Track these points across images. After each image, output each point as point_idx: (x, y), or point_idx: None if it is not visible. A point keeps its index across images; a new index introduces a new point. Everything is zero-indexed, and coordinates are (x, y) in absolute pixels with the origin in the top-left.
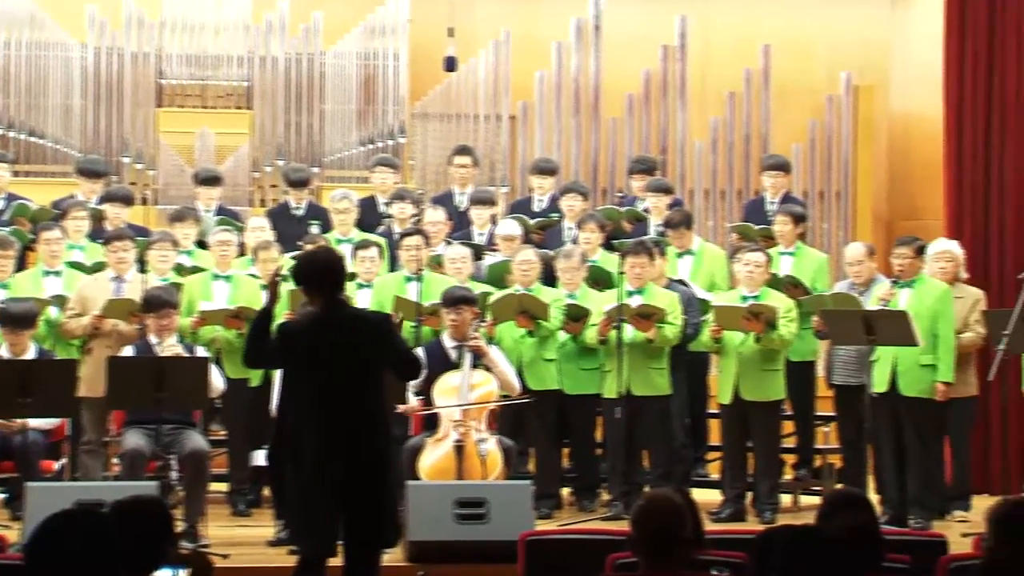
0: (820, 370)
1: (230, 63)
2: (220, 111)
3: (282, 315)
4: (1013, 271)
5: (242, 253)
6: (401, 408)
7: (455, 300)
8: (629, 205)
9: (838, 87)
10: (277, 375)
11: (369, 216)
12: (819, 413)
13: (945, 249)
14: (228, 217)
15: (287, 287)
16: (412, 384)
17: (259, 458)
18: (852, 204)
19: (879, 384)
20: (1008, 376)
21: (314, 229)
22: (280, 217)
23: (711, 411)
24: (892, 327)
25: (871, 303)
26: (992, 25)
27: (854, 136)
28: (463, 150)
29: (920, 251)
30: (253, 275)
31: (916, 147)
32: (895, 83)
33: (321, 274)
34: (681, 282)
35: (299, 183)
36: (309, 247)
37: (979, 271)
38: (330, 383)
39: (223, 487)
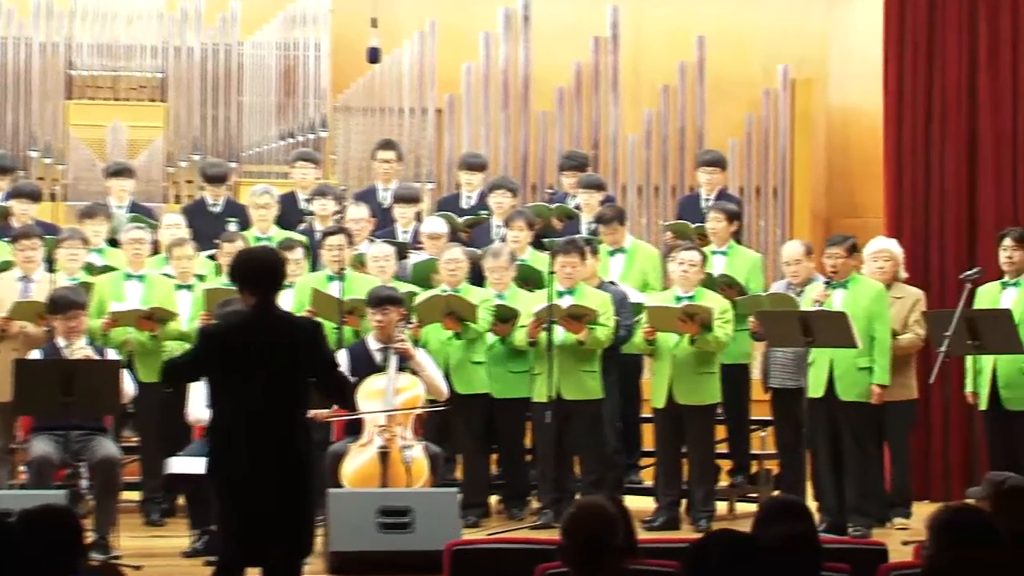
0: (755, 373)
1: (143, 53)
2: (133, 103)
3: (197, 317)
4: (954, 271)
5: (156, 252)
6: (314, 413)
7: (381, 300)
8: (560, 202)
9: (775, 80)
10: None
11: (289, 213)
12: (755, 417)
13: (884, 248)
14: (141, 214)
15: (201, 287)
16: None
17: (173, 465)
18: (789, 201)
19: (815, 389)
20: (950, 379)
21: (232, 227)
22: (196, 214)
23: (644, 415)
24: (830, 328)
25: (804, 305)
26: (932, 18)
27: (791, 131)
28: (387, 145)
29: (853, 250)
30: (167, 275)
31: (855, 143)
32: (833, 77)
33: (261, 273)
34: (612, 284)
35: (216, 179)
36: (226, 245)
37: (919, 271)
38: (260, 386)
39: (135, 496)
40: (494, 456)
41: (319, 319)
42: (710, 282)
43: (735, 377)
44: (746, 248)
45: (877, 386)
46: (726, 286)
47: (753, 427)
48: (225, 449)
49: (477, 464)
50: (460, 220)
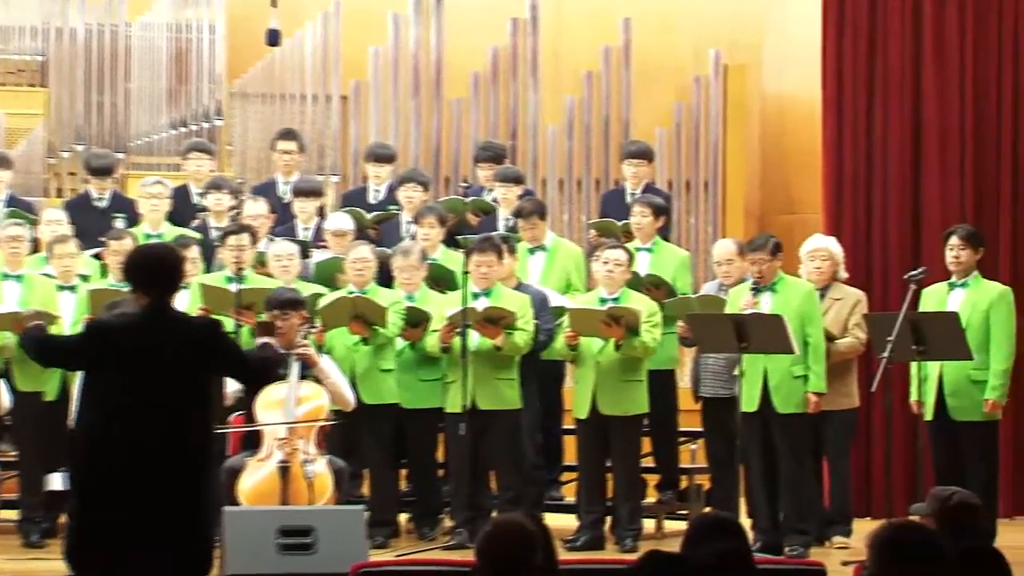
0: (684, 380)
1: (22, 35)
2: (10, 89)
3: (81, 321)
4: (897, 271)
5: (35, 250)
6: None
7: (282, 304)
8: (475, 196)
9: (706, 66)
10: (76, 387)
11: (182, 208)
12: (684, 428)
13: (821, 246)
14: (19, 209)
15: (85, 288)
16: (230, 394)
17: (55, 482)
18: (721, 196)
19: (748, 403)
20: (893, 387)
21: (119, 223)
22: (80, 209)
23: (566, 427)
24: (766, 333)
25: (731, 309)
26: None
27: (724, 120)
28: (288, 134)
29: (776, 250)
30: (48, 275)
31: (792, 133)
32: (769, 62)
33: (158, 272)
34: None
35: (101, 171)
36: (113, 243)
37: (860, 270)
38: (152, 392)
39: (13, 514)
40: (404, 471)
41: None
42: (636, 282)
43: (663, 385)
44: (673, 245)
45: (813, 394)
46: (653, 287)
47: (683, 439)
48: (102, 457)
49: (385, 480)
50: (367, 216)
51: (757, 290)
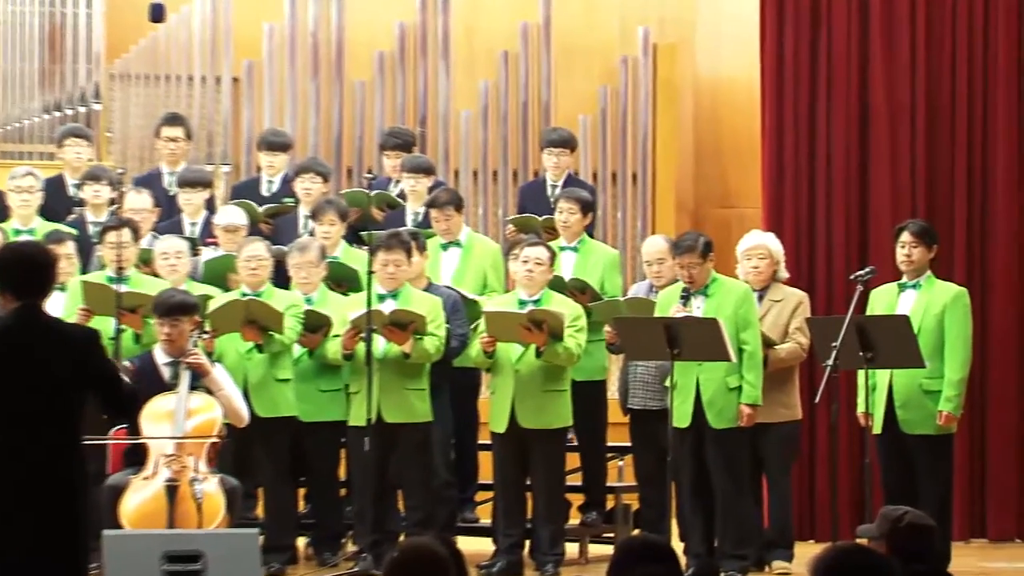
0: (612, 391)
1: None
2: None
3: None
4: (843, 270)
5: None
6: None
7: (171, 309)
8: (380, 188)
9: (634, 46)
10: None
11: (56, 201)
12: (612, 443)
13: (759, 244)
14: None
15: None
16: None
17: None
18: (651, 188)
19: (680, 418)
20: (838, 397)
21: None
22: None
23: (482, 442)
24: (699, 338)
25: (660, 312)
26: None
27: (654, 106)
28: (173, 119)
29: (707, 250)
30: None
31: (728, 119)
32: (702, 41)
33: (28, 272)
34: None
35: None
36: None
37: (802, 270)
38: (20, 404)
39: None
40: (302, 491)
41: (98, 317)
42: (559, 284)
43: (591, 396)
44: (601, 244)
45: (746, 406)
46: (578, 290)
47: (610, 455)
48: None
49: (282, 500)
50: (260, 209)
51: (687, 296)
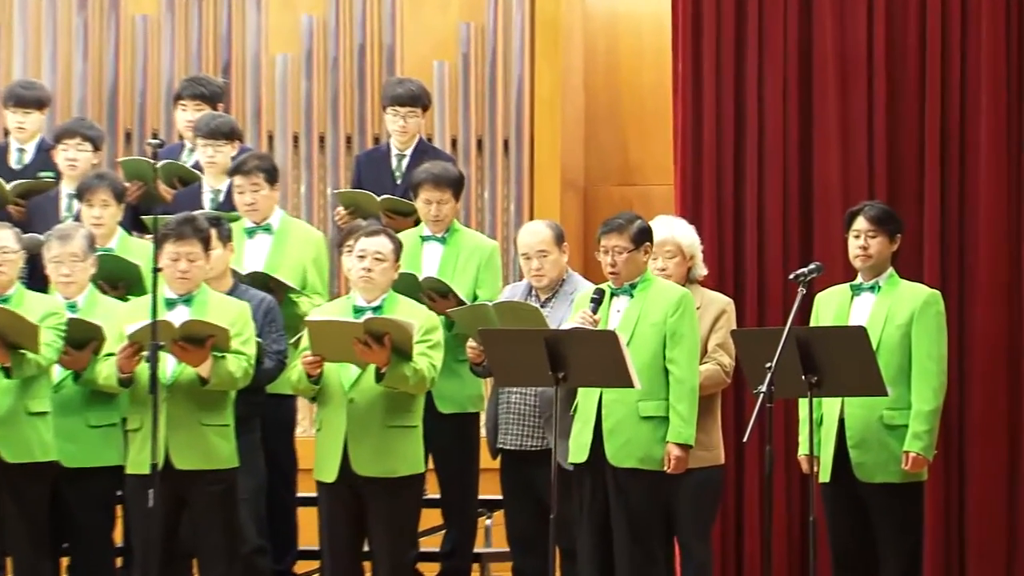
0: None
1: None
2: None
3: None
4: (780, 267)
5: None
6: None
7: None
8: (170, 157)
9: None
10: None
11: None
12: (483, 497)
13: (664, 240)
14: None
15: None
16: None
17: None
18: (528, 159)
19: (577, 453)
20: (776, 436)
21: None
22: None
23: (303, 494)
24: (592, 357)
25: (569, 323)
26: None
27: (531, 51)
28: None
29: (643, 236)
30: None
31: (629, 70)
32: None
33: None
34: (263, 278)
35: None
36: None
37: (726, 267)
38: None
39: None
40: (65, 559)
41: None
42: (410, 286)
43: (459, 434)
44: (473, 232)
45: (675, 445)
46: (436, 292)
47: (480, 511)
48: None
49: (37, 570)
50: (8, 187)
51: (599, 299)
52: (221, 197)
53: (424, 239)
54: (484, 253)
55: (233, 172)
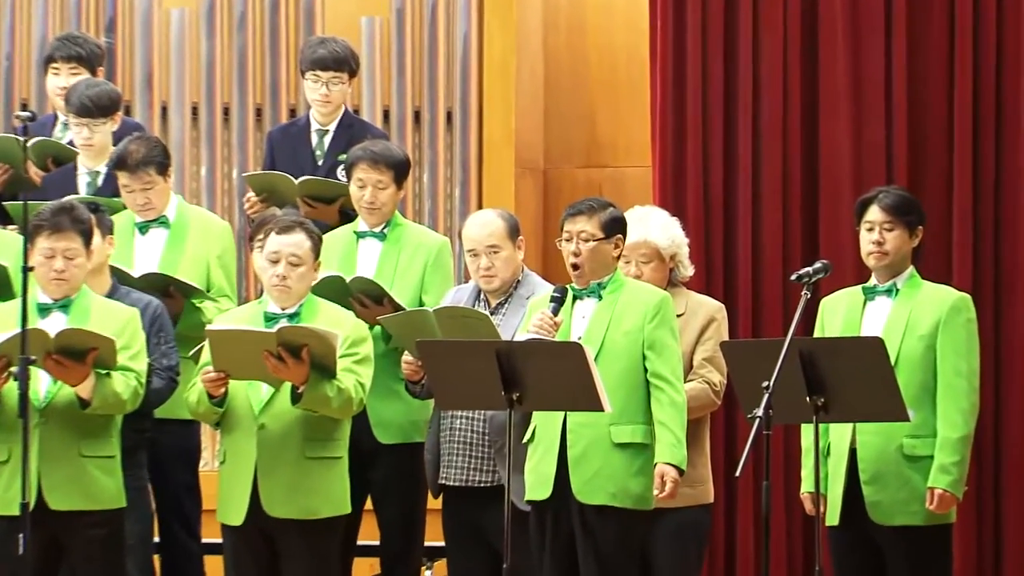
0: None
1: None
2: None
3: None
4: (780, 266)
5: None
6: None
7: None
8: (41, 135)
9: None
10: None
11: None
12: (430, 543)
13: (637, 242)
14: None
15: None
16: None
17: None
18: (476, 136)
19: (537, 488)
20: (775, 468)
21: None
22: None
23: (207, 540)
24: (553, 374)
25: (521, 333)
26: None
27: (479, 7)
28: None
29: (615, 227)
30: None
31: (597, 30)
32: None
33: None
34: (161, 280)
35: None
36: None
37: (715, 266)
38: None
39: None
40: None
41: None
42: (335, 289)
43: (398, 468)
44: (421, 227)
45: (668, 465)
46: (368, 297)
47: (424, 560)
48: None
49: None
50: None
51: (561, 298)
52: (100, 180)
53: (360, 235)
54: (431, 251)
55: (116, 166)
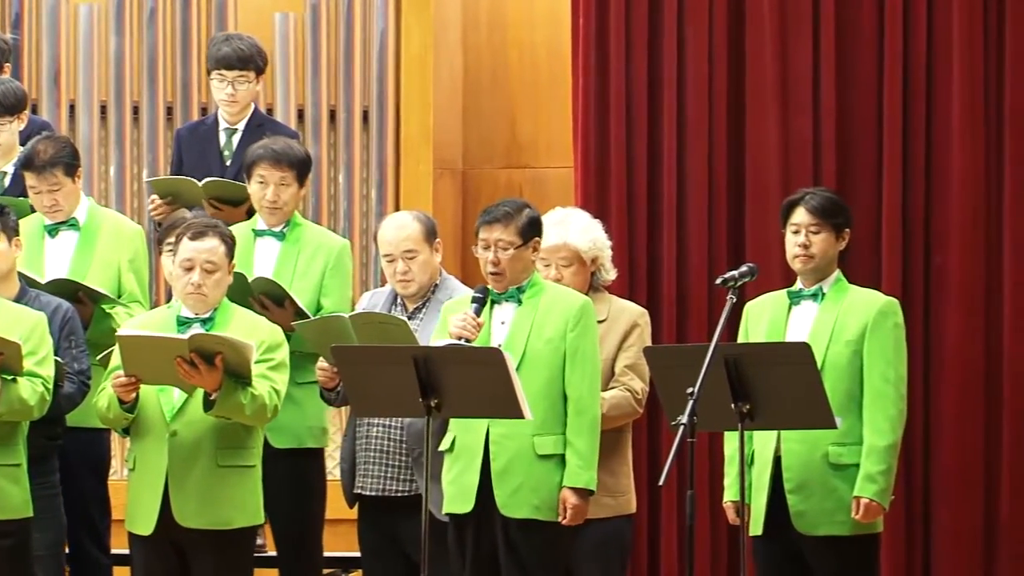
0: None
1: None
2: None
3: None
4: (705, 270)
5: None
6: None
7: None
8: None
9: None
10: None
11: None
12: (333, 553)
13: (555, 245)
14: None
15: None
16: None
17: None
18: (392, 135)
19: (458, 500)
20: (699, 478)
21: None
22: None
23: (117, 551)
24: (473, 380)
25: (436, 338)
26: None
27: (396, 4)
28: None
29: (532, 230)
30: None
31: (518, 26)
32: None
33: None
34: (70, 286)
35: None
36: None
37: (638, 269)
38: None
39: None
40: None
41: None
42: (237, 287)
43: (299, 476)
44: (322, 229)
45: (571, 491)
46: (270, 299)
47: (327, 571)
48: None
49: None
50: None
51: (483, 300)
52: (6, 181)
53: (257, 234)
54: (331, 253)
55: (24, 166)
